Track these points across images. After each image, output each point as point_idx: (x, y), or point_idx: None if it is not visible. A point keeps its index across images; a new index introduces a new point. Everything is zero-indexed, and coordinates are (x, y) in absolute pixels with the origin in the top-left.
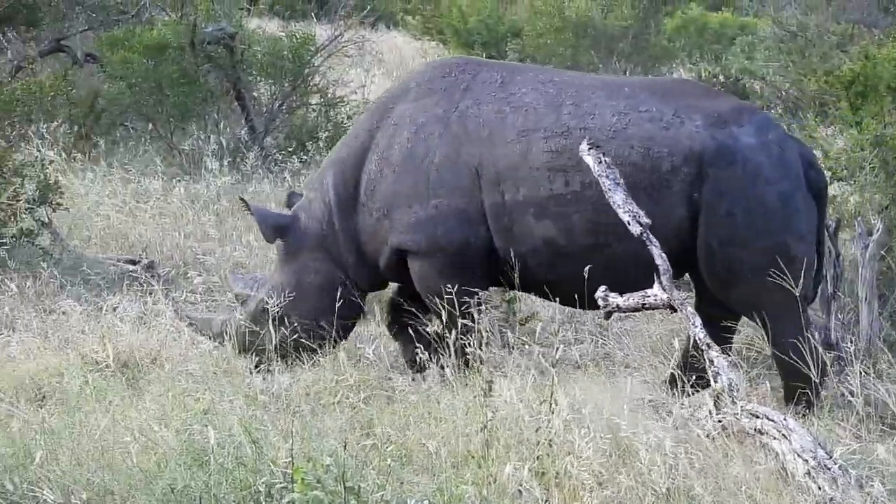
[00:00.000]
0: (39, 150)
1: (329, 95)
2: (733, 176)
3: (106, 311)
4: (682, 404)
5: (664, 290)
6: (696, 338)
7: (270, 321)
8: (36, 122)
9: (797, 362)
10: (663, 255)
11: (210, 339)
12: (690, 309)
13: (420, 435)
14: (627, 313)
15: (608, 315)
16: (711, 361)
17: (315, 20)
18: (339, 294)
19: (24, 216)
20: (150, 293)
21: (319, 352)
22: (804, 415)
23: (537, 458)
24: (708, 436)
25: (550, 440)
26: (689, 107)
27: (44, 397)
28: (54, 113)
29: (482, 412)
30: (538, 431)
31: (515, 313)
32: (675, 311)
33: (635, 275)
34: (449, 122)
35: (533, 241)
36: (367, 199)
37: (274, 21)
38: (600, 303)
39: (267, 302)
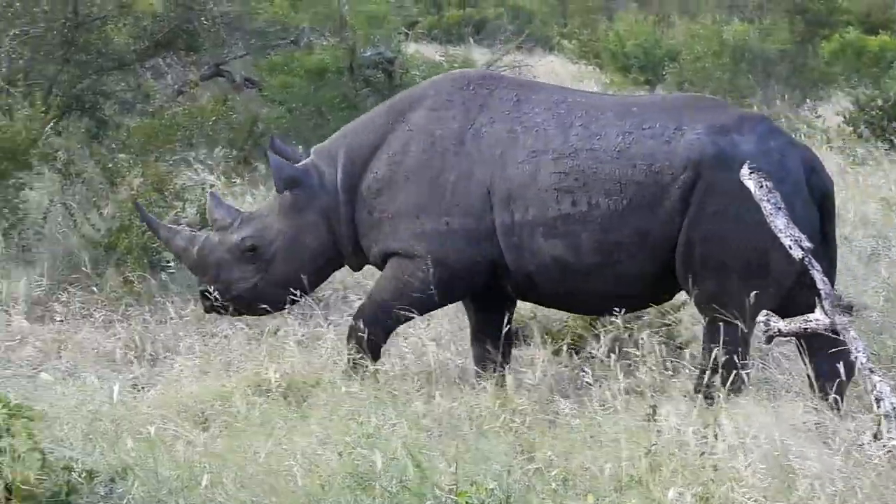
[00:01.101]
0: (200, 174)
1: None
2: (728, 179)
3: (266, 334)
4: (848, 429)
5: (826, 315)
6: (859, 362)
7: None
8: (196, 146)
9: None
10: (825, 279)
11: (172, 251)
12: (853, 333)
13: (583, 459)
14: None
15: (769, 339)
16: (874, 386)
17: (473, 44)
18: (324, 265)
19: None
20: (311, 316)
21: (266, 308)
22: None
23: (701, 483)
24: (872, 461)
25: (715, 465)
26: (693, 119)
27: (206, 420)
28: (214, 137)
29: (646, 436)
30: (702, 456)
31: (675, 337)
32: (838, 335)
33: (643, 290)
34: (464, 138)
35: (542, 259)
36: (371, 196)
37: (431, 45)
38: (762, 327)
39: (252, 239)
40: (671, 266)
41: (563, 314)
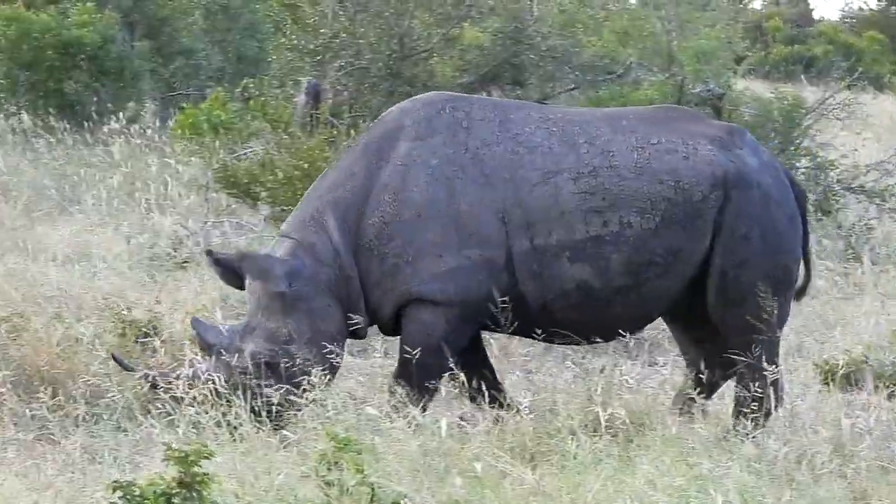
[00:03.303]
0: None
1: (818, 159)
2: (751, 198)
3: (593, 372)
4: None
5: None
6: None
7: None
8: None
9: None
10: None
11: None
12: None
13: None
14: None
15: None
16: None
17: (804, 82)
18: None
19: None
20: (637, 356)
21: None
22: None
23: None
24: None
25: None
26: (689, 133)
27: (533, 457)
28: None
29: None
30: None
31: None
32: None
33: (655, 311)
34: (464, 163)
35: (563, 285)
36: (380, 243)
37: (757, 82)
38: None
39: (265, 355)
40: (687, 284)
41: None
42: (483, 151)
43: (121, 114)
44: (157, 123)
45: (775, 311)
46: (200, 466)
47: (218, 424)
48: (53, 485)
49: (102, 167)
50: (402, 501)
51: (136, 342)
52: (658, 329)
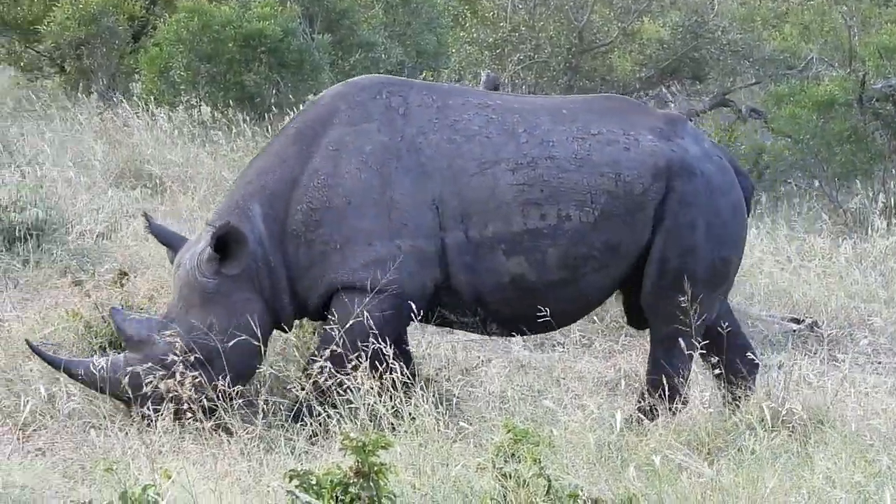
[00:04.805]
0: None
1: None
2: (696, 188)
3: (769, 368)
4: None
5: None
6: None
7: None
8: None
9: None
10: None
11: (91, 385)
12: None
13: None
14: None
15: None
16: None
17: None
18: (268, 335)
19: None
20: (815, 353)
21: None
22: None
23: None
24: None
25: None
26: (631, 123)
27: (711, 452)
28: None
29: None
30: None
31: None
32: None
33: (589, 305)
34: (399, 151)
35: (498, 278)
36: (307, 230)
37: None
38: None
39: (182, 346)
40: (624, 278)
41: None
42: (420, 140)
43: (300, 106)
44: None
45: (706, 305)
46: (378, 456)
47: (396, 415)
48: (231, 473)
49: None
50: (578, 493)
51: (314, 333)
52: (839, 327)
